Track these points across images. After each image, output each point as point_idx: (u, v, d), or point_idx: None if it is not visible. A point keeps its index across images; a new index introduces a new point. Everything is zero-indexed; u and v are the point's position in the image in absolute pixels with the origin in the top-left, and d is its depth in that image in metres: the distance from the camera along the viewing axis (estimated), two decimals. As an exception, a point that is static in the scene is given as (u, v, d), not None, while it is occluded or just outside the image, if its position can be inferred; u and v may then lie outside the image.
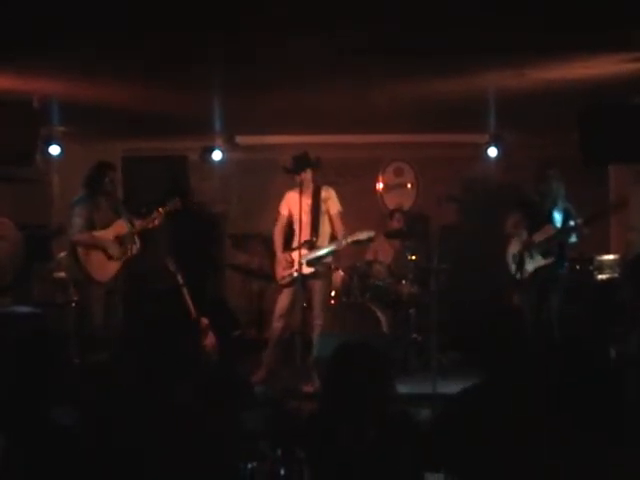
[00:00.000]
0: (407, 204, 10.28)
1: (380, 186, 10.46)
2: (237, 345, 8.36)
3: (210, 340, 7.84)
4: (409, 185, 10.48)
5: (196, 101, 7.72)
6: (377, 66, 6.25)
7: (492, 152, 9.45)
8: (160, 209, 7.84)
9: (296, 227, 7.83)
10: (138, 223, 7.81)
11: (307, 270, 7.68)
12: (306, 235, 7.76)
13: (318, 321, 7.77)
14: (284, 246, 7.95)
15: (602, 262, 8.57)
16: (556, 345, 6.72)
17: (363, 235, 7.71)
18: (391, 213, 9.67)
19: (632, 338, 6.94)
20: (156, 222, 7.85)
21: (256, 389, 7.25)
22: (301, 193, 7.63)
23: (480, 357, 3.28)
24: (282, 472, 3.70)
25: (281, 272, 7.85)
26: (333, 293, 8.66)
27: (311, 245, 7.76)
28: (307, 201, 7.76)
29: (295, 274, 7.63)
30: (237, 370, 7.38)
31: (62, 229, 8.07)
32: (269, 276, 9.42)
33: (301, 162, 7.81)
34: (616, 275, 8.34)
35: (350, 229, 7.77)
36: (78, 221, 7.60)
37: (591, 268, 8.53)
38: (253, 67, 6.21)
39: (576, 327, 7.66)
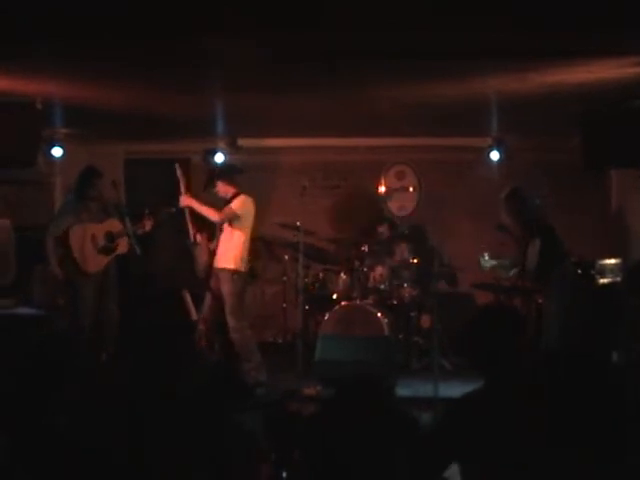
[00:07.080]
0: (409, 207, 10.27)
1: (382, 189, 10.44)
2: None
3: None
4: (411, 188, 10.46)
5: (199, 103, 7.72)
6: (379, 69, 6.25)
7: (494, 155, 9.46)
8: (151, 216, 7.86)
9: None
10: (129, 226, 7.80)
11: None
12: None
13: (231, 323, 7.61)
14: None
15: (604, 266, 8.56)
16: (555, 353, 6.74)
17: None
18: (377, 224, 9.57)
19: (634, 342, 6.95)
20: (147, 228, 7.85)
21: (257, 391, 7.25)
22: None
23: (478, 361, 3.28)
24: (284, 475, 3.69)
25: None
26: (335, 296, 8.65)
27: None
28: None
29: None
30: (237, 371, 7.38)
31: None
32: (270, 279, 9.43)
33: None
34: (618, 279, 8.32)
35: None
36: (65, 219, 7.71)
37: (593, 272, 8.51)
38: (255, 70, 6.21)
39: (578, 331, 7.65)
